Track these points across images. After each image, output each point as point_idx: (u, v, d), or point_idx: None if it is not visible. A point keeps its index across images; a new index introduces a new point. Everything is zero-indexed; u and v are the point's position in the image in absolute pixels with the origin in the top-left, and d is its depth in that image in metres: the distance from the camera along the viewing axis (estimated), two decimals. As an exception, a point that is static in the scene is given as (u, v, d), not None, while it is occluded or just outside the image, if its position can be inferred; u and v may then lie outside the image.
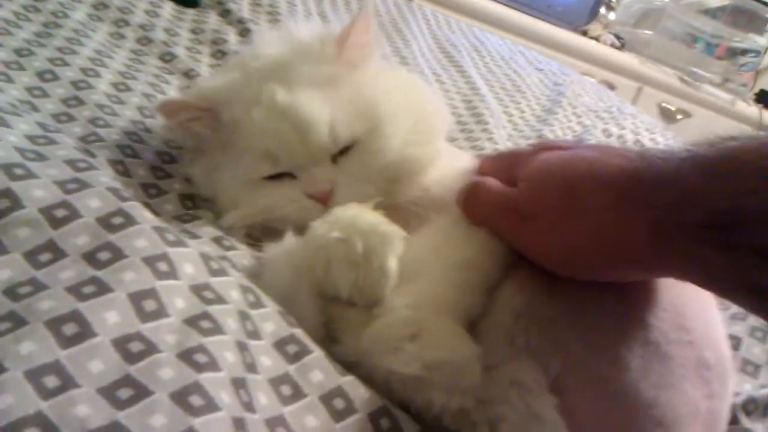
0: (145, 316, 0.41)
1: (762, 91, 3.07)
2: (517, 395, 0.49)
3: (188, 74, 0.88)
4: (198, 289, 0.45)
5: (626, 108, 1.50)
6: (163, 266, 0.44)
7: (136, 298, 0.41)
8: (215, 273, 0.48)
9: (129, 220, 0.46)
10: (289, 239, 0.57)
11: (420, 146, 0.68)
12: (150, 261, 0.44)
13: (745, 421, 0.68)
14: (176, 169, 0.69)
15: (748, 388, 0.71)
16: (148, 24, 0.97)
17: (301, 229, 0.57)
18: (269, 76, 0.64)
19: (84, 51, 0.80)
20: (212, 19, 1.09)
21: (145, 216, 0.48)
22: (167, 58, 0.90)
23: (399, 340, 0.49)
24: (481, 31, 1.75)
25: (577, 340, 0.53)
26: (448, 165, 0.70)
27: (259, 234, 0.63)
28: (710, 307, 0.60)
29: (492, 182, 0.58)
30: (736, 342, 0.77)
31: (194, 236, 0.59)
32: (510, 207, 0.55)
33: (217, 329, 0.43)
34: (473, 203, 0.58)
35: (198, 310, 0.44)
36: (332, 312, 0.54)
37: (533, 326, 0.53)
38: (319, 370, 0.47)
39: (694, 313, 0.56)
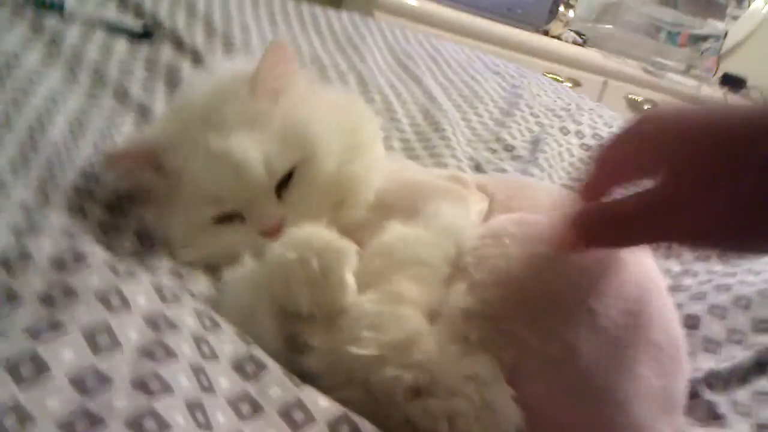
0: (99, 351, 0.42)
1: (725, 74, 3.11)
2: (473, 389, 0.52)
3: (142, 109, 0.90)
4: (152, 319, 0.47)
5: (584, 104, 1.53)
6: (115, 300, 0.46)
7: (90, 334, 0.43)
8: (168, 301, 0.50)
9: (80, 259, 0.48)
10: (247, 262, 0.61)
11: (356, 161, 0.70)
12: (101, 296, 0.46)
13: (706, 394, 0.70)
14: (133, 206, 0.70)
15: (711, 366, 0.73)
16: (100, 63, 0.98)
17: None
18: (200, 123, 0.66)
19: (37, 96, 0.81)
20: (166, 52, 1.10)
21: (95, 252, 0.50)
22: (121, 96, 0.92)
23: (359, 329, 0.54)
24: (438, 41, 1.77)
25: (527, 330, 0.55)
26: (391, 172, 0.74)
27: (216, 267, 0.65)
28: (656, 290, 0.62)
29: (614, 200, 0.54)
30: (695, 321, 0.79)
31: (151, 269, 0.61)
32: (659, 209, 0.48)
33: (170, 355, 0.45)
34: (608, 229, 0.52)
35: (151, 340, 0.45)
36: (295, 326, 0.57)
37: (486, 323, 0.56)
38: (277, 386, 0.49)
39: (639, 297, 0.58)
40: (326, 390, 0.52)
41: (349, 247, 0.58)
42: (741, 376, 0.72)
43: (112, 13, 1.20)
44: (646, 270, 0.64)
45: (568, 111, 1.42)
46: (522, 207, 0.69)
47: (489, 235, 0.63)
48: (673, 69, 2.96)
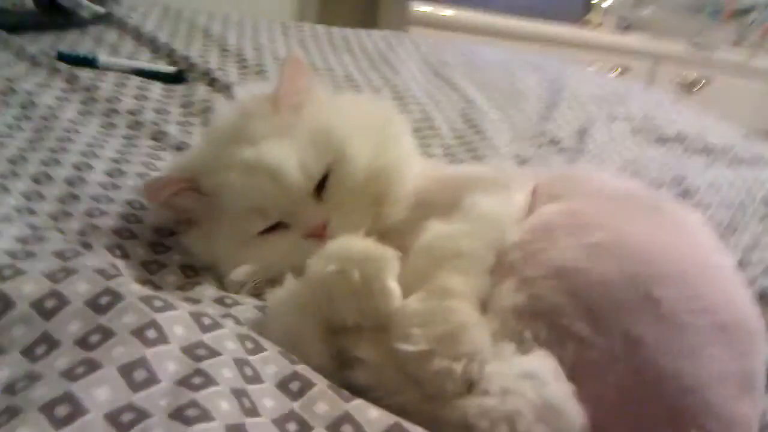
0: (136, 386, 0.42)
1: (779, 39, 3.00)
2: (530, 387, 0.49)
3: (180, 147, 0.91)
4: (190, 349, 0.47)
5: (630, 89, 1.49)
6: (151, 333, 0.46)
7: (126, 370, 0.42)
8: (207, 329, 0.49)
9: (116, 298, 0.48)
10: (290, 282, 0.59)
11: (386, 154, 0.70)
12: (138, 332, 0.46)
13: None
14: (175, 241, 0.70)
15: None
16: (136, 108, 1.00)
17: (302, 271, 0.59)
18: (230, 142, 0.67)
19: (76, 147, 0.83)
20: (200, 91, 1.12)
21: (131, 290, 0.50)
22: (159, 136, 0.93)
23: (408, 327, 0.52)
24: (474, 46, 1.76)
25: (586, 325, 0.52)
26: (431, 170, 0.74)
27: (263, 285, 0.64)
28: (720, 269, 0.59)
29: None
30: (772, 296, 0.75)
31: (194, 301, 0.60)
32: None
33: (209, 382, 0.44)
34: None
35: (190, 369, 0.45)
36: (341, 340, 0.56)
37: (540, 320, 0.53)
38: (323, 402, 0.48)
39: (704, 279, 0.55)
40: (378, 400, 0.50)
41: (389, 253, 0.57)
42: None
43: (144, 60, 1.22)
44: (708, 249, 0.61)
45: (617, 96, 1.38)
46: (566, 195, 0.66)
47: (537, 228, 0.60)
48: (722, 42, 2.86)
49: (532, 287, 0.55)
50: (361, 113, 0.73)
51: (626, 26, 2.91)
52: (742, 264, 0.85)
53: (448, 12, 2.54)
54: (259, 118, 0.68)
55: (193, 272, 0.67)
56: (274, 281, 0.62)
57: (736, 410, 0.52)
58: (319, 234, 0.65)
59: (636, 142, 1.22)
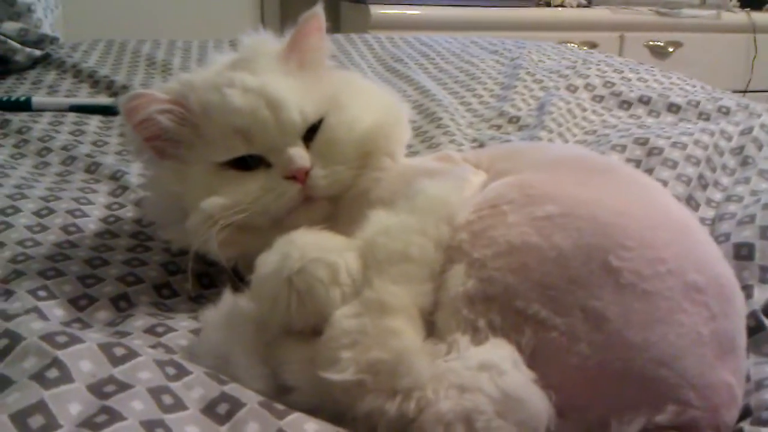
0: (30, 433, 0.38)
1: (744, -5, 2.98)
2: (487, 380, 0.45)
3: (115, 176, 0.87)
4: (97, 386, 0.43)
5: (592, 58, 1.45)
6: (53, 373, 0.42)
7: (20, 418, 0.38)
8: (119, 361, 0.45)
9: (14, 339, 0.45)
10: (226, 299, 0.56)
11: (385, 118, 0.68)
12: (37, 375, 0.42)
13: (770, 323, 0.62)
14: (107, 271, 0.66)
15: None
16: (71, 144, 0.96)
17: (279, 223, 0.61)
18: (231, 69, 0.66)
19: (2, 191, 0.79)
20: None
21: (31, 328, 0.46)
22: (93, 168, 0.90)
23: (337, 350, 0.48)
24: (428, 37, 1.72)
25: (543, 306, 0.48)
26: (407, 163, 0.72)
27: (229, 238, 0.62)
28: (685, 228, 0.54)
29: None
30: (748, 250, 0.70)
31: (123, 334, 0.57)
32: None
33: (115, 419, 0.40)
34: None
35: (95, 408, 0.41)
36: (278, 356, 0.52)
37: (493, 305, 0.49)
38: (254, 421, 0.44)
39: (666, 240, 0.51)
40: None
41: (336, 258, 0.53)
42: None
43: (83, 96, 1.19)
44: (667, 208, 0.56)
45: (574, 68, 1.34)
46: (511, 169, 0.62)
47: (483, 206, 0.56)
48: (687, 3, 2.84)
49: (482, 270, 0.51)
50: (367, 87, 0.73)
51: (589, 1, 2.88)
52: (715, 220, 0.81)
53: (411, 11, 2.51)
54: (265, 56, 0.67)
55: (126, 303, 0.63)
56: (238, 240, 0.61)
57: (715, 377, 0.48)
58: (300, 178, 0.63)
59: (597, 110, 1.18)
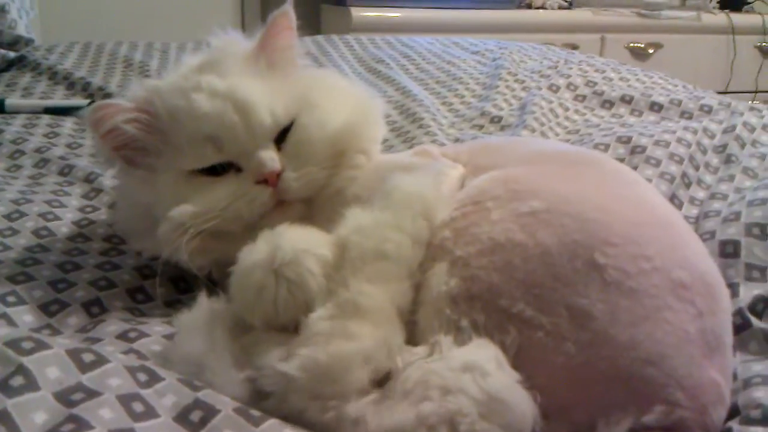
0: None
1: (723, -4, 2.99)
2: (470, 381, 0.44)
3: (89, 178, 0.86)
4: (64, 394, 0.41)
5: (573, 58, 1.45)
6: (17, 381, 0.40)
7: (-20, 428, 0.37)
8: (88, 367, 0.44)
9: None
10: (201, 303, 0.54)
11: (356, 117, 0.67)
12: (0, 383, 0.40)
13: (756, 322, 0.61)
14: (79, 275, 0.65)
15: (759, 293, 0.64)
16: (44, 146, 0.94)
17: (252, 227, 0.59)
18: (203, 71, 0.64)
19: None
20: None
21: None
22: (66, 170, 0.88)
23: (297, 347, 0.48)
24: (409, 38, 1.72)
25: (527, 305, 0.47)
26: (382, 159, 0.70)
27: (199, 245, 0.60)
28: (669, 224, 0.54)
29: None
30: (734, 247, 0.70)
31: (93, 340, 0.55)
32: None
33: (82, 427, 0.39)
34: None
35: (61, 417, 0.39)
36: (255, 360, 0.50)
37: (476, 304, 0.49)
38: (229, 429, 0.43)
39: (651, 236, 0.50)
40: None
41: (325, 251, 0.53)
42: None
43: (59, 98, 1.16)
44: (652, 203, 0.56)
45: (556, 68, 1.34)
46: (492, 164, 0.61)
47: (466, 203, 0.55)
48: (667, 5, 2.85)
49: (465, 269, 0.50)
50: (339, 85, 0.71)
51: (570, 3, 2.88)
52: (699, 217, 0.81)
53: (391, 14, 2.50)
54: (234, 58, 0.65)
55: (98, 309, 0.62)
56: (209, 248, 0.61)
57: (704, 375, 0.47)
58: (272, 182, 0.61)
59: (579, 109, 1.18)
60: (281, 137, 0.63)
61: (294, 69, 0.68)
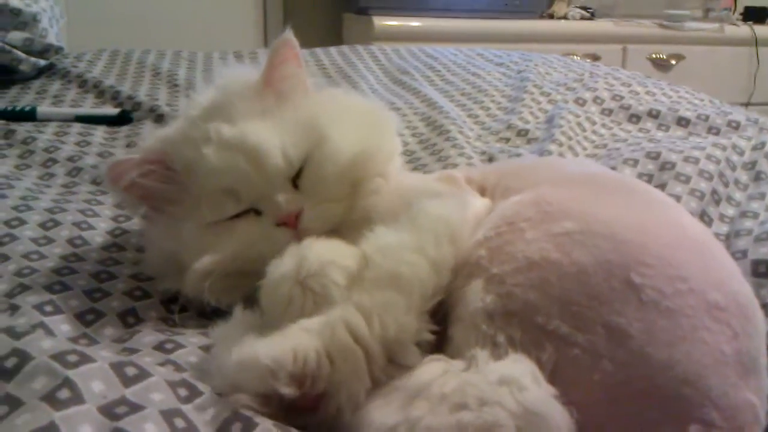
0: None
1: (747, 8, 2.98)
2: (508, 394, 0.44)
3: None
4: (109, 408, 0.41)
5: (598, 71, 1.44)
6: (63, 394, 0.41)
7: (29, 442, 0.37)
8: (131, 381, 0.44)
9: (23, 359, 0.43)
10: (237, 314, 0.55)
11: (370, 141, 0.66)
12: (47, 396, 0.41)
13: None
14: (114, 285, 0.65)
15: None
16: (77, 154, 0.95)
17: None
18: (211, 117, 0.64)
19: (8, 203, 0.78)
20: (147, 128, 1.07)
21: (42, 347, 0.45)
22: (98, 179, 0.89)
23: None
24: (433, 48, 1.72)
25: (564, 322, 0.47)
26: (400, 182, 0.69)
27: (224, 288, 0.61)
28: (704, 246, 0.54)
29: None
30: (766, 266, 0.69)
31: (131, 351, 0.55)
32: None
33: (129, 442, 0.39)
34: None
35: (106, 431, 0.40)
36: None
37: (513, 320, 0.49)
38: None
39: (686, 258, 0.50)
40: None
41: (350, 262, 0.54)
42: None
43: (89, 106, 1.18)
44: (685, 225, 0.55)
45: (581, 81, 1.34)
46: (522, 186, 0.61)
47: (500, 223, 0.55)
48: (690, 17, 2.84)
49: (501, 285, 0.50)
50: (348, 105, 0.70)
51: (592, 14, 2.88)
52: (730, 236, 0.80)
53: (413, 23, 2.51)
54: (241, 98, 0.65)
55: (134, 318, 0.62)
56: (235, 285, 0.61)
57: (739, 395, 0.46)
58: (291, 223, 0.61)
59: (606, 123, 1.18)
60: (297, 173, 0.63)
61: (304, 96, 0.68)
